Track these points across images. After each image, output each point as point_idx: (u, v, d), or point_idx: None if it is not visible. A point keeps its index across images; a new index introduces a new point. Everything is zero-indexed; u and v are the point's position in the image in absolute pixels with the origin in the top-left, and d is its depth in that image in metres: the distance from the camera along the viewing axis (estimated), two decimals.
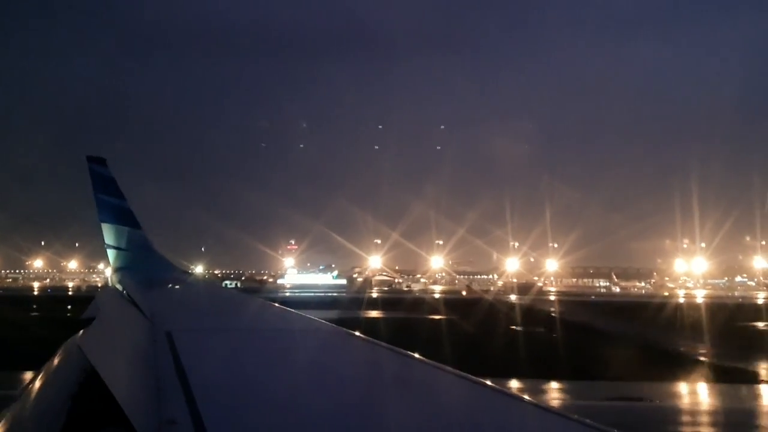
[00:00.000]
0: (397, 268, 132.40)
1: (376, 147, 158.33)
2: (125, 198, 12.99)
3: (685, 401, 20.28)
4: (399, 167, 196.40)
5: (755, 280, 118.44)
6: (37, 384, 4.50)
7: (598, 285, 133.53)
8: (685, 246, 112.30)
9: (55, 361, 4.91)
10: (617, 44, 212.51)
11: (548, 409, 3.45)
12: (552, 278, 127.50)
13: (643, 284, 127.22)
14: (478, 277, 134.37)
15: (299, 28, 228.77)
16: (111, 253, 12.78)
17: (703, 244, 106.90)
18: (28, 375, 10.37)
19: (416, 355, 4.56)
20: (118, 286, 11.11)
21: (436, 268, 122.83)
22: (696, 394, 21.82)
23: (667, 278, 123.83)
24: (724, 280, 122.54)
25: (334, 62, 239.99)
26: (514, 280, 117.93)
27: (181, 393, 3.05)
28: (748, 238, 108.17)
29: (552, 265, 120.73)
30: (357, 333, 5.71)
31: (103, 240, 12.77)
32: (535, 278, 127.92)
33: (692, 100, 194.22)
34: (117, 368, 3.46)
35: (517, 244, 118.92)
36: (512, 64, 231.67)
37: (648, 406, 18.32)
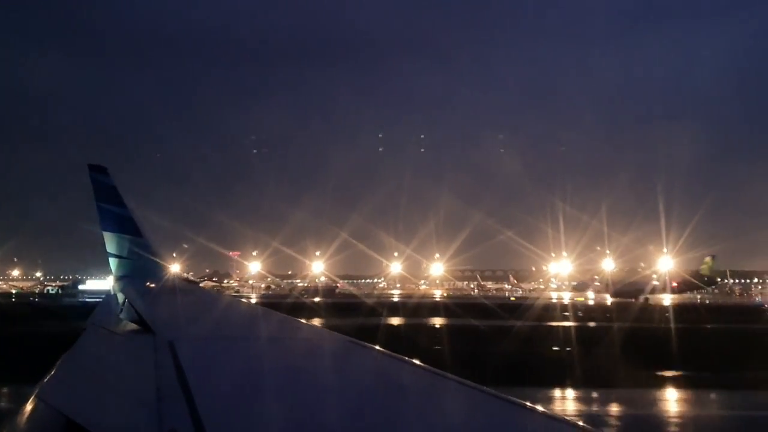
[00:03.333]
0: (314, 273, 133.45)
1: (254, 151, 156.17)
2: (127, 206, 12.89)
3: None
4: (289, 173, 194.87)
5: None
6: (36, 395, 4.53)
7: (468, 287, 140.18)
8: (553, 254, 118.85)
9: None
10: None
11: (553, 417, 3.46)
12: (438, 281, 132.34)
13: (508, 286, 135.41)
14: (362, 281, 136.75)
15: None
16: (113, 262, 12.62)
17: (564, 254, 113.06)
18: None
19: (419, 363, 4.55)
20: (120, 295, 11.09)
21: (316, 273, 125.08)
22: None
23: (541, 280, 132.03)
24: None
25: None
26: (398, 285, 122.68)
27: (183, 402, 3.04)
28: (598, 248, 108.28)
29: (437, 268, 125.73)
30: (362, 342, 5.75)
31: (105, 248, 12.63)
32: (421, 282, 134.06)
33: (566, 109, 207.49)
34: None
35: (396, 253, 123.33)
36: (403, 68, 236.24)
37: None
